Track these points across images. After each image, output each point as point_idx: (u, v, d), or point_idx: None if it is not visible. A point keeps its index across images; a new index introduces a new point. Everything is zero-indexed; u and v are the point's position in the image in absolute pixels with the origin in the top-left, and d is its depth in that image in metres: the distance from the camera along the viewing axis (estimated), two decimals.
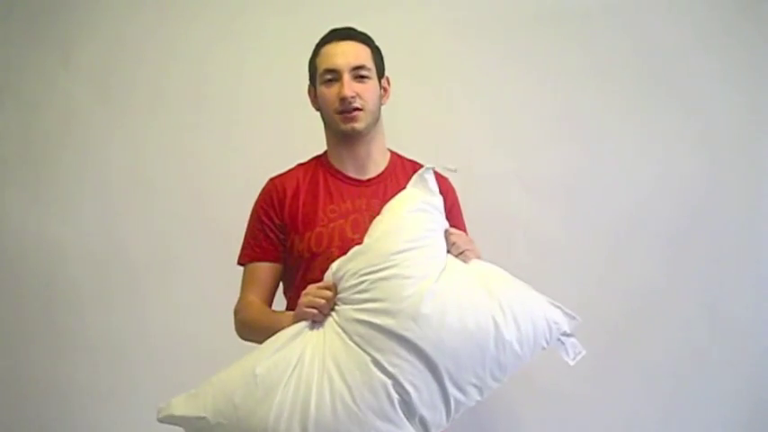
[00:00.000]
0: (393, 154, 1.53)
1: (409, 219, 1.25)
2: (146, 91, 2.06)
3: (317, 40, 1.49)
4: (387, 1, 1.97)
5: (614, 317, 1.89)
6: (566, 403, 1.91)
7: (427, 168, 1.31)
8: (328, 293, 1.23)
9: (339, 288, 1.23)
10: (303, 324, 1.23)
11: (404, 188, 1.41)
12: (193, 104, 2.04)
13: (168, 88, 2.05)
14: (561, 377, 1.90)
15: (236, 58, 2.03)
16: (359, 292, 1.19)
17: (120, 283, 2.05)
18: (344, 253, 1.31)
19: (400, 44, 1.87)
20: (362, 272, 1.20)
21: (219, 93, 2.03)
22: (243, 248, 1.50)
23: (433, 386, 1.15)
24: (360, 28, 1.50)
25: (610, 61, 1.92)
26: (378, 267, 1.18)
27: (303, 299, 1.25)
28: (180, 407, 1.21)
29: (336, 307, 1.22)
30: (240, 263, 1.50)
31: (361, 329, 1.16)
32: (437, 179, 1.49)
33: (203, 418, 1.18)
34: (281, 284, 1.51)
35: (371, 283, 1.18)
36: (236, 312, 1.48)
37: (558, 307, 1.27)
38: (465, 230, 1.52)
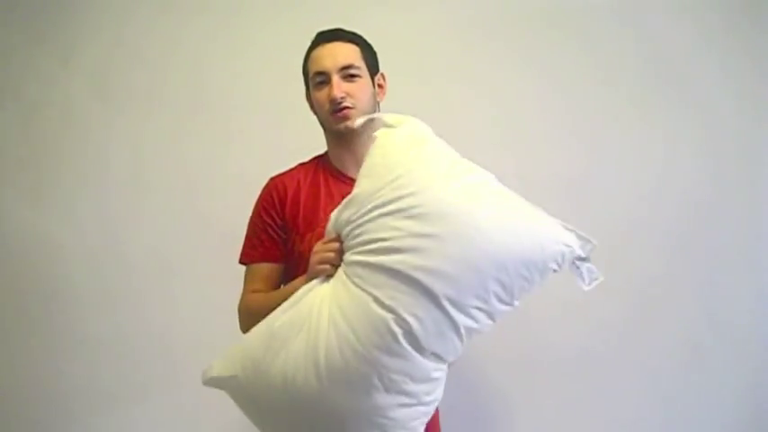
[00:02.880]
0: None
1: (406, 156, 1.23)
2: (145, 91, 2.06)
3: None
4: (387, 0, 1.97)
5: (615, 318, 1.88)
6: (565, 404, 1.91)
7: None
8: (335, 245, 1.22)
9: (342, 236, 1.22)
10: (316, 281, 1.23)
11: None
12: (192, 104, 2.04)
13: (167, 88, 2.05)
14: (561, 377, 1.90)
15: (235, 58, 2.02)
16: (355, 236, 1.19)
17: (120, 282, 2.05)
18: None
19: (400, 44, 1.87)
20: (354, 216, 1.19)
21: (218, 92, 2.03)
22: (245, 247, 1.50)
23: (437, 314, 1.11)
24: (360, 27, 1.49)
25: (612, 61, 1.91)
26: (367, 209, 1.17)
27: (313, 257, 1.25)
28: (217, 368, 1.24)
29: (343, 256, 1.22)
30: (242, 262, 1.50)
31: (360, 270, 1.15)
32: None
33: (235, 377, 1.21)
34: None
35: (362, 224, 1.17)
36: (240, 309, 1.47)
37: (572, 231, 1.22)
38: None
